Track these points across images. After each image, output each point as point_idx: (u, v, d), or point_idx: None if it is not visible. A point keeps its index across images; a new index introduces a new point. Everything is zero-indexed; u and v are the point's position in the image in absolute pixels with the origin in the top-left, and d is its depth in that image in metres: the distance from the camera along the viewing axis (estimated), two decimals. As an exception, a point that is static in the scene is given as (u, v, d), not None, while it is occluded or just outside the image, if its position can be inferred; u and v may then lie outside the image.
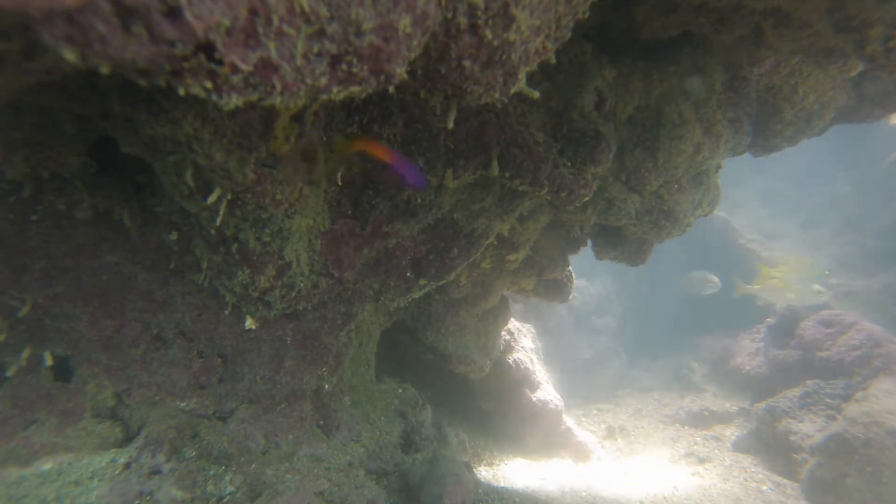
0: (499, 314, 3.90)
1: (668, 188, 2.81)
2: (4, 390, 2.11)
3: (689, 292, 7.36)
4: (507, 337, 4.62)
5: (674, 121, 2.56)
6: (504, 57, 1.26)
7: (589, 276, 9.05)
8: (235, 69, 0.82)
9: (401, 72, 1.05)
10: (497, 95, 1.34)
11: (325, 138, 1.93)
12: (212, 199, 1.64)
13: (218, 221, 1.73)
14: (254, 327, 2.29)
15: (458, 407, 4.55)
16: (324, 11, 0.87)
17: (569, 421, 5.02)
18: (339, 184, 2.07)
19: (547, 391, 4.75)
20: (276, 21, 0.82)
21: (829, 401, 4.88)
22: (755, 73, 2.70)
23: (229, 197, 1.68)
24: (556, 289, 3.76)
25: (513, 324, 4.83)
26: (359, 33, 0.92)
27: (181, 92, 0.84)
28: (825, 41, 1.98)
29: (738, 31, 2.10)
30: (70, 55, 0.76)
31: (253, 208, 1.74)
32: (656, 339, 9.90)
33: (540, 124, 2.18)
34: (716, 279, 7.14)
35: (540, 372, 4.86)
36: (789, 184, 12.32)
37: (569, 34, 1.39)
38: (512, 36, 1.21)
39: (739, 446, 5.40)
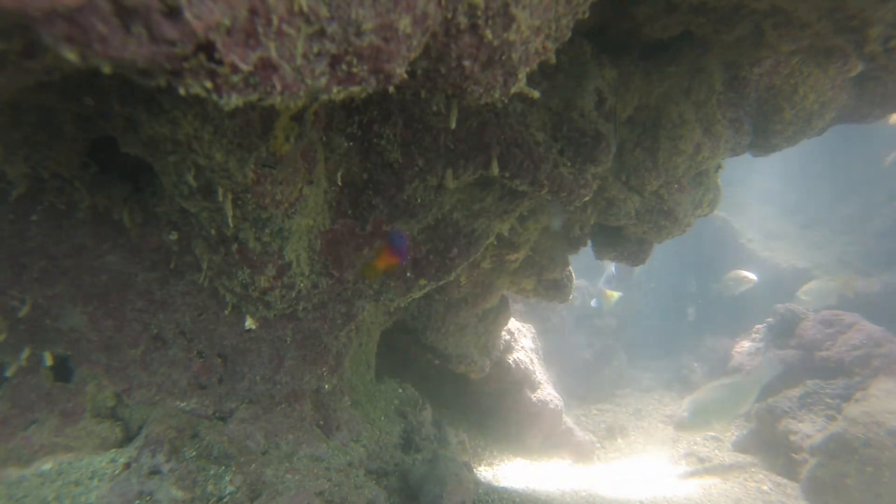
0: (499, 314, 3.90)
1: (668, 188, 2.81)
2: (4, 390, 2.12)
3: (726, 293, 7.28)
4: (507, 337, 4.62)
5: (674, 121, 2.56)
6: (504, 57, 1.26)
7: (589, 276, 9.04)
8: (235, 69, 0.82)
9: (401, 72, 1.05)
10: (497, 95, 1.34)
11: (324, 138, 1.93)
12: (220, 198, 1.64)
13: (230, 222, 1.72)
14: (254, 327, 2.29)
15: (458, 407, 4.55)
16: (324, 11, 0.87)
17: (569, 421, 5.02)
18: (339, 184, 2.07)
19: (547, 391, 4.76)
20: (275, 21, 0.82)
21: (829, 401, 4.88)
22: (755, 73, 2.70)
23: (230, 197, 1.68)
24: (556, 289, 3.76)
25: (513, 324, 4.83)
26: (359, 33, 0.92)
27: (181, 92, 0.84)
28: (825, 41, 1.98)
29: (738, 31, 2.10)
30: (70, 55, 0.76)
31: (253, 208, 1.74)
32: (656, 338, 9.89)
33: (540, 124, 2.18)
34: (752, 276, 7.03)
35: (540, 372, 4.86)
36: (789, 184, 12.31)
37: (569, 34, 1.39)
38: (512, 36, 1.21)
39: (739, 446, 5.40)
